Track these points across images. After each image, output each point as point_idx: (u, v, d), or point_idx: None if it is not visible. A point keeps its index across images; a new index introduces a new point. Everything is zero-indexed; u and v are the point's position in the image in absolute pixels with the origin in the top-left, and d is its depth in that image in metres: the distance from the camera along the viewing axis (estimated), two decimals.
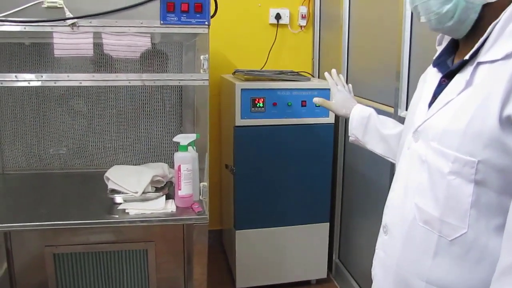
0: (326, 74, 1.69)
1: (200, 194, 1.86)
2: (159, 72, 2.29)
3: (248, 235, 2.71)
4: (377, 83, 2.36)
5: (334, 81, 1.66)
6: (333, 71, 1.69)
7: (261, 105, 2.53)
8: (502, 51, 0.89)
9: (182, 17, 1.70)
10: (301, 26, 3.17)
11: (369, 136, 1.48)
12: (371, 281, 1.27)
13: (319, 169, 2.72)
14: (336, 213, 2.92)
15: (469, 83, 0.93)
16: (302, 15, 3.13)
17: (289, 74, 2.75)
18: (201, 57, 1.72)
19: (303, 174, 2.69)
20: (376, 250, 1.20)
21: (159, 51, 2.33)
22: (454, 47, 1.07)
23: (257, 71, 2.81)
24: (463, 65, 0.97)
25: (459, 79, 0.96)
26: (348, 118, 1.55)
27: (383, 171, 2.22)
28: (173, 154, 1.86)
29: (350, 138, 1.55)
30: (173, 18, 1.70)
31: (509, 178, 0.88)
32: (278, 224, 2.74)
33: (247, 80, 2.58)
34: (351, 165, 2.74)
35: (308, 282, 2.92)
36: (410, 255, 1.05)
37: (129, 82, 1.69)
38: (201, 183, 1.85)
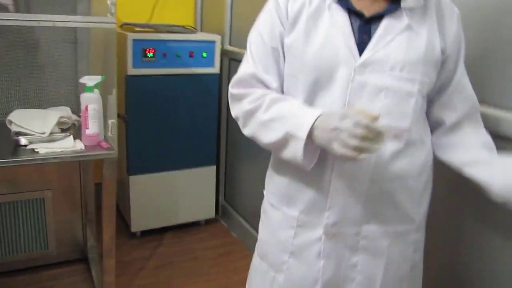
0: None
1: (109, 131, 1.96)
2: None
3: (141, 180, 2.86)
4: None
5: None
6: None
7: (151, 55, 2.65)
8: None
9: None
10: None
11: None
12: (256, 219, 1.42)
13: (206, 116, 2.94)
14: (221, 156, 3.17)
15: (408, 25, 1.14)
16: None
17: (175, 27, 2.90)
18: (108, 2, 1.81)
19: (191, 121, 2.89)
20: None
21: None
22: None
23: (144, 24, 2.91)
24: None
25: (393, 21, 1.14)
26: None
27: None
28: (70, 100, 1.88)
29: None
30: None
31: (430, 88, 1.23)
32: (168, 169, 2.92)
33: (137, 31, 2.69)
34: None
35: (198, 223, 3.17)
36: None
37: (38, 23, 1.73)
38: (110, 120, 1.96)
